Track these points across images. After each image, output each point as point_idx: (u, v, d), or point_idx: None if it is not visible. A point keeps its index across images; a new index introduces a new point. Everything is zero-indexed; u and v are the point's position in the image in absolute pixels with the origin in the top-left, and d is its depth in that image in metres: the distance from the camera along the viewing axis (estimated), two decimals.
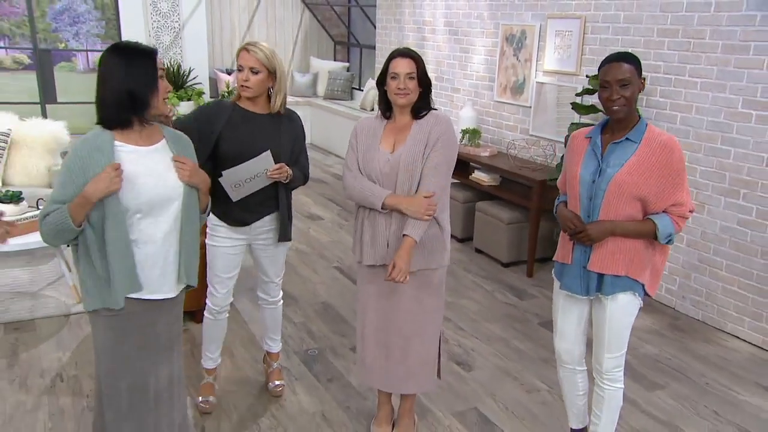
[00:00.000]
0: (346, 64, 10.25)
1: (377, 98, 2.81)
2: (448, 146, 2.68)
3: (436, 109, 2.77)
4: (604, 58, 2.52)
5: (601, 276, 2.52)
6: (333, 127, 9.45)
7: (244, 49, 2.89)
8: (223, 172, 2.84)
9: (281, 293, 3.36)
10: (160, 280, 2.29)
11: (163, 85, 2.25)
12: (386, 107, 2.77)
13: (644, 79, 2.49)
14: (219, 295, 3.14)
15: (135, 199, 2.16)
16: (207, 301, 3.18)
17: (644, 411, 3.36)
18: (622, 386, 2.69)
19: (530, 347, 4.00)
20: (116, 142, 2.17)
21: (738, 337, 4.20)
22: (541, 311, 4.51)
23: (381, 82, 2.73)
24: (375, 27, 8.28)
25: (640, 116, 2.50)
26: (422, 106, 2.71)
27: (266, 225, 3.09)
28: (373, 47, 8.67)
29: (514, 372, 3.71)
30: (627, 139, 2.45)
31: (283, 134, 3.00)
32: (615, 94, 2.39)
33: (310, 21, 10.40)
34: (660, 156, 2.41)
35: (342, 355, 3.82)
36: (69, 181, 2.09)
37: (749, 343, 4.14)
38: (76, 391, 3.35)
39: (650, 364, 3.84)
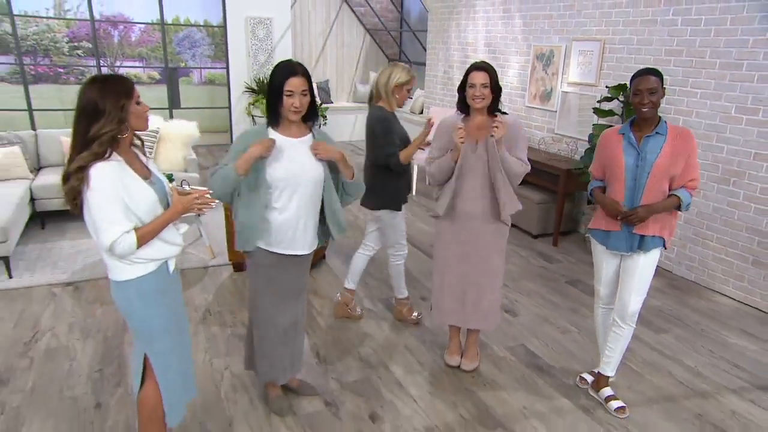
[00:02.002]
0: None
1: (457, 101, 2.82)
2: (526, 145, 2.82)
3: (506, 113, 2.84)
4: (632, 73, 2.64)
5: (642, 236, 2.62)
6: None
7: (413, 76, 3.19)
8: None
9: None
10: (292, 241, 2.42)
11: None
12: (464, 109, 2.81)
13: (664, 88, 2.58)
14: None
15: (276, 171, 2.32)
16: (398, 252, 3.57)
17: (653, 348, 3.45)
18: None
19: (561, 300, 4.08)
20: (272, 132, 2.37)
21: (725, 295, 4.24)
22: (567, 272, 4.58)
23: (461, 89, 2.77)
24: (423, 48, 8.30)
25: (659, 117, 2.60)
26: (495, 108, 2.77)
27: None
28: (421, 63, 8.69)
29: (550, 318, 3.80)
30: (657, 133, 2.54)
31: None
32: (645, 99, 2.49)
33: (370, 43, 10.47)
34: (684, 143, 2.51)
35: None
36: (235, 153, 2.30)
37: (733, 299, 4.18)
38: (221, 322, 3.58)
39: (655, 313, 3.92)
